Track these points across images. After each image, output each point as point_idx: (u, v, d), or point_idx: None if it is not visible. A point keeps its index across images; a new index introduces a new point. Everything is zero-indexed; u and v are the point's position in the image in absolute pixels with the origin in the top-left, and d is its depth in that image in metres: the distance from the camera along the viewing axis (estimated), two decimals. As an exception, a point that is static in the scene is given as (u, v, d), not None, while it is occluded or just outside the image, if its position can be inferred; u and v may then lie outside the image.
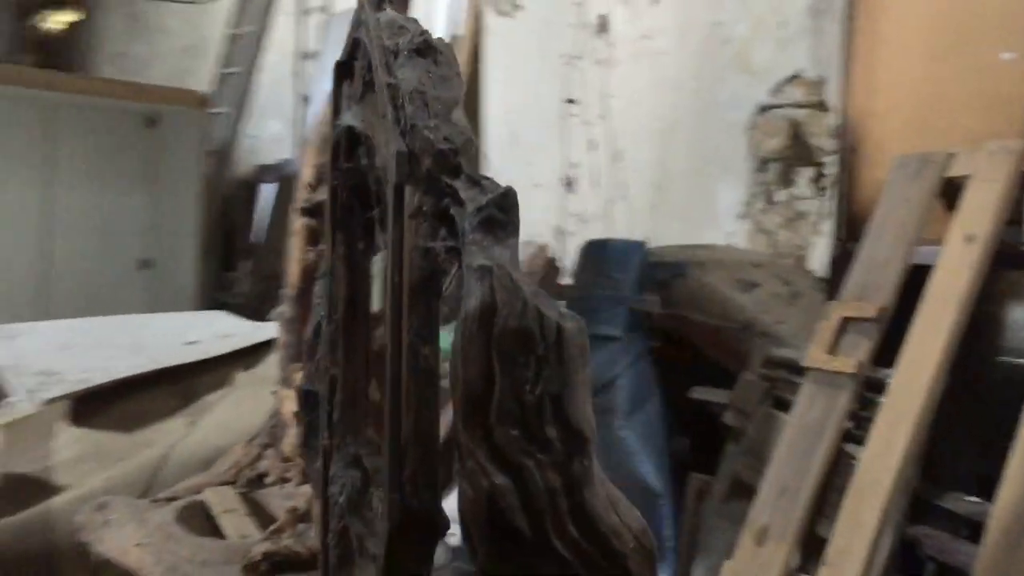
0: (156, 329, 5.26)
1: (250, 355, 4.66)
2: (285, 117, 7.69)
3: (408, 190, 1.32)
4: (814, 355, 2.79)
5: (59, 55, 11.54)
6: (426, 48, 1.41)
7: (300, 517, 2.70)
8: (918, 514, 2.69)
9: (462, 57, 5.56)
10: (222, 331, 4.94)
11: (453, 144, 1.32)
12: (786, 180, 4.13)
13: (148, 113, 5.73)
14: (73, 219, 5.44)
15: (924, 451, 2.59)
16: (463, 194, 1.28)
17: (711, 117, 4.43)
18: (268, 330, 4.75)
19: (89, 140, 5.28)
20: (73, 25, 11.46)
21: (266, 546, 2.56)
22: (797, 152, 4.09)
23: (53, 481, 3.99)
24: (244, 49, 6.66)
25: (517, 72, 5.47)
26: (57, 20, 12.11)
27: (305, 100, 7.43)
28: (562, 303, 3.17)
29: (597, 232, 4.83)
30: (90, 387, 4.12)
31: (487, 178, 1.32)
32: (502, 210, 1.25)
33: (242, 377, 4.45)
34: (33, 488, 3.96)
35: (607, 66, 4.93)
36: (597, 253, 3.64)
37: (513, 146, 5.53)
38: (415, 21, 1.48)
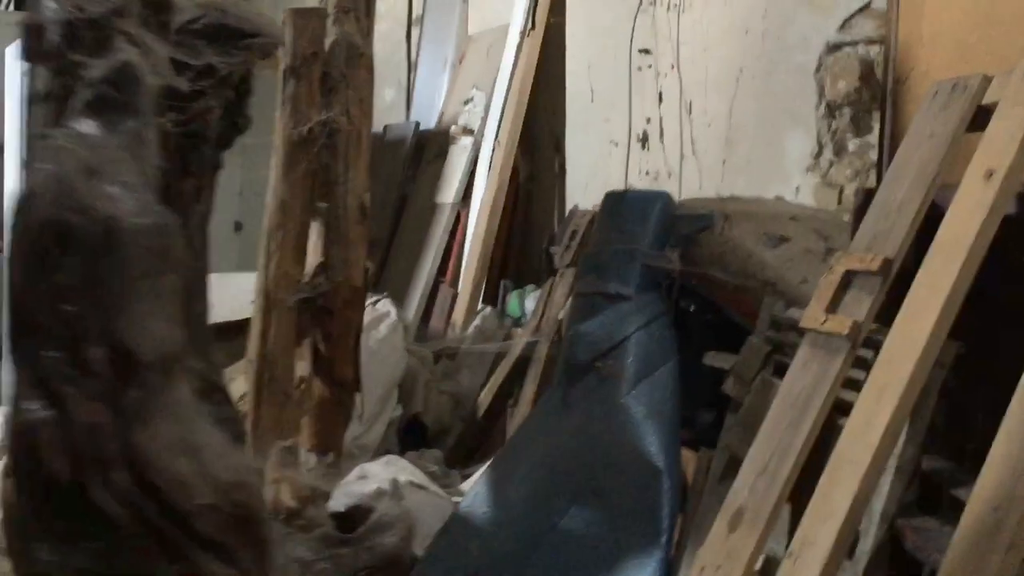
0: (237, 288, 5.29)
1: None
2: (399, 84, 7.66)
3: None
4: (810, 314, 2.40)
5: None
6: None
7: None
8: (929, 503, 2.27)
9: (545, 8, 5.30)
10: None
11: (86, 13, 1.11)
12: (858, 127, 3.64)
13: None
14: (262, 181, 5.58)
15: (932, 427, 2.17)
16: (83, 72, 1.07)
17: (779, 61, 3.98)
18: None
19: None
20: None
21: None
22: (870, 94, 3.60)
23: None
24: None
25: (595, 22, 5.15)
26: None
27: (414, 66, 7.37)
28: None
29: (670, 192, 4.48)
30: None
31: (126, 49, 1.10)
32: (117, 88, 1.04)
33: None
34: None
35: (680, 11, 4.54)
36: (615, 205, 3.32)
37: (591, 103, 5.22)
38: None
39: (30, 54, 1.11)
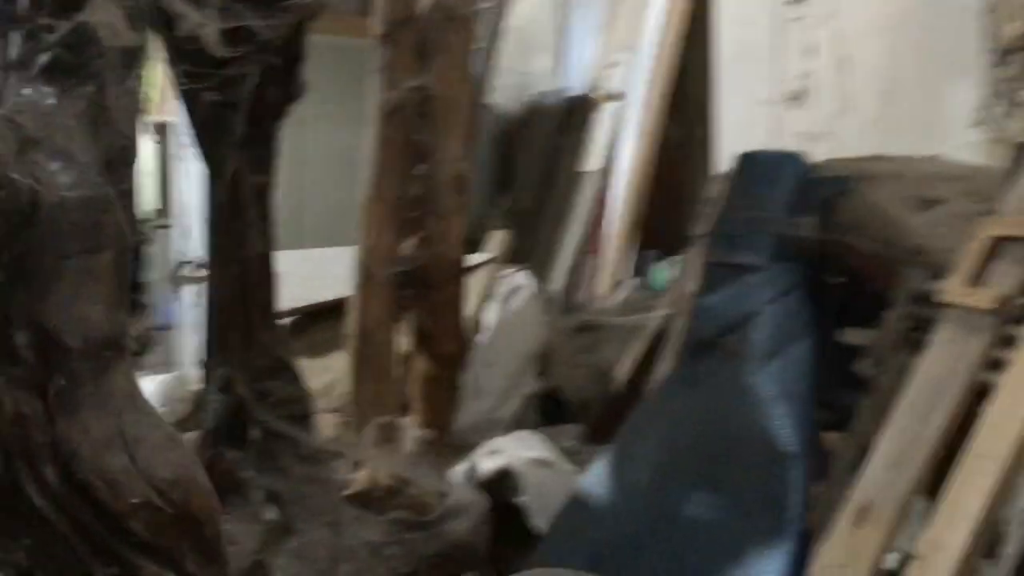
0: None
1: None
2: (553, 50, 7.52)
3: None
4: (951, 287, 2.12)
5: None
6: None
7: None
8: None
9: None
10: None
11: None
12: (1033, 74, 3.24)
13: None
14: (323, 155, 5.67)
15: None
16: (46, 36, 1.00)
17: (942, 4, 3.59)
18: (473, 260, 4.65)
19: (335, 79, 5.42)
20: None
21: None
22: (1048, 36, 3.19)
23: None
24: (499, -17, 6.52)
25: (743, -26, 4.85)
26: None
27: (565, 31, 7.22)
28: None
29: (824, 154, 4.15)
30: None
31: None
32: (71, 50, 0.96)
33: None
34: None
35: (834, -45, 4.19)
36: (746, 167, 3.08)
37: (739, 62, 4.91)
38: None
39: (1, 18, 1.05)
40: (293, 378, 1.72)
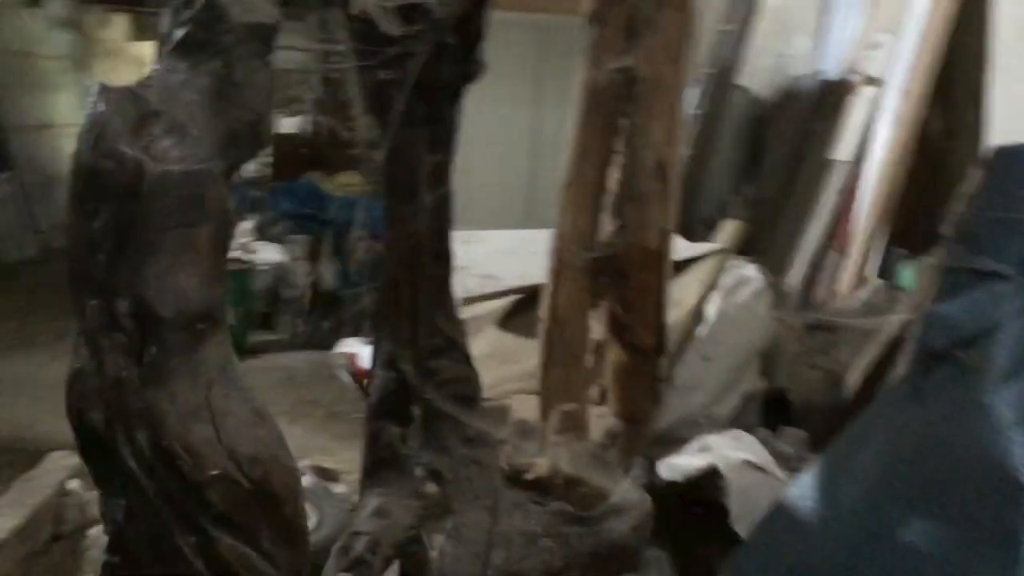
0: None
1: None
2: (812, 32, 7.15)
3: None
4: None
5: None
6: None
7: (526, 432, 2.53)
8: None
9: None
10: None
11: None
12: None
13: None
14: (555, 135, 5.71)
15: None
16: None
17: None
18: (702, 249, 4.53)
19: (572, 60, 5.41)
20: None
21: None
22: None
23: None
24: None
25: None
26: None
27: (824, 12, 6.82)
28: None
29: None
30: (495, 292, 4.33)
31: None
32: (202, 26, 0.99)
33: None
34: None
35: None
36: (1001, 162, 2.75)
37: (1021, 42, 4.42)
38: None
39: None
40: (462, 358, 1.71)
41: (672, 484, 3.41)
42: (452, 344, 1.75)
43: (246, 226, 8.00)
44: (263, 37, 1.09)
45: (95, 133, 0.94)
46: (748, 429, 4.05)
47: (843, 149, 5.22)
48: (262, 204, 9.45)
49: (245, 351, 7.65)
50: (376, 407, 1.64)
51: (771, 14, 7.84)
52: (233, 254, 7.63)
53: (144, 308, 0.91)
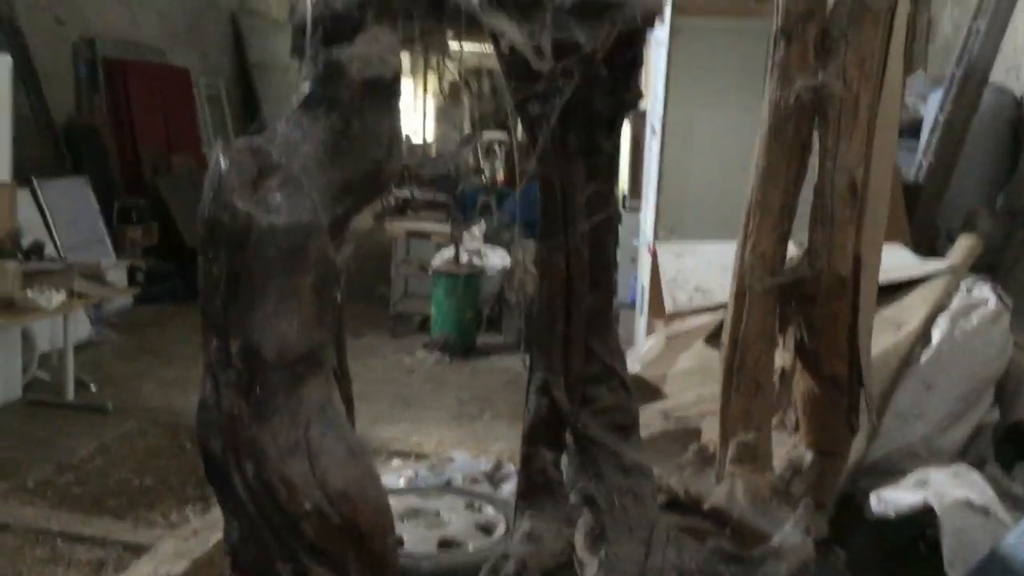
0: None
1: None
2: (1082, 27, 6.50)
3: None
4: None
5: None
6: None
7: (707, 459, 2.49)
8: None
9: None
10: (887, 265, 4.53)
11: (331, 9, 1.15)
12: None
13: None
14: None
15: None
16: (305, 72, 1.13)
17: None
18: (929, 267, 4.26)
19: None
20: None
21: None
22: None
23: (662, 387, 4.29)
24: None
25: None
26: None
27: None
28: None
29: None
30: (705, 307, 4.27)
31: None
32: (323, 83, 1.07)
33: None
34: (644, 390, 4.29)
35: None
36: None
37: None
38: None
39: (293, 51, 1.18)
40: (620, 386, 1.71)
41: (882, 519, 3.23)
42: (610, 372, 1.75)
43: (476, 231, 8.30)
44: (383, 90, 1.16)
45: (214, 187, 1.04)
46: (978, 465, 3.76)
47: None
48: (492, 209, 9.76)
49: (473, 352, 7.95)
50: (530, 432, 1.68)
51: (1039, 6, 7.18)
52: (464, 259, 7.92)
53: (251, 350, 1.00)
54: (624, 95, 1.62)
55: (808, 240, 2.27)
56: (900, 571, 3.51)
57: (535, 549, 1.62)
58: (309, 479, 1.02)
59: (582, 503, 1.72)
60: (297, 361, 1.03)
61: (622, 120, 1.69)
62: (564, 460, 1.81)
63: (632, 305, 6.81)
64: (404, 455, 5.64)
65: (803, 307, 2.28)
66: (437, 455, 5.29)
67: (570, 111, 1.55)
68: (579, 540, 1.69)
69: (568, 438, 1.75)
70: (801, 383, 2.42)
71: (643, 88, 1.66)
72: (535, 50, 1.41)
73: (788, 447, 2.55)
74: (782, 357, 2.44)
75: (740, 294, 2.31)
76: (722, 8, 5.19)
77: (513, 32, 1.39)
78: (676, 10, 5.05)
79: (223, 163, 1.05)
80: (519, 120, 1.59)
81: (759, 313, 2.24)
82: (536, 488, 1.68)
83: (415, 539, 2.99)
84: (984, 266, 6.05)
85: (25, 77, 7.94)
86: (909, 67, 10.65)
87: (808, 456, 2.45)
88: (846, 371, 2.34)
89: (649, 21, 1.54)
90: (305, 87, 1.13)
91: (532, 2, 1.40)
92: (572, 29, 1.43)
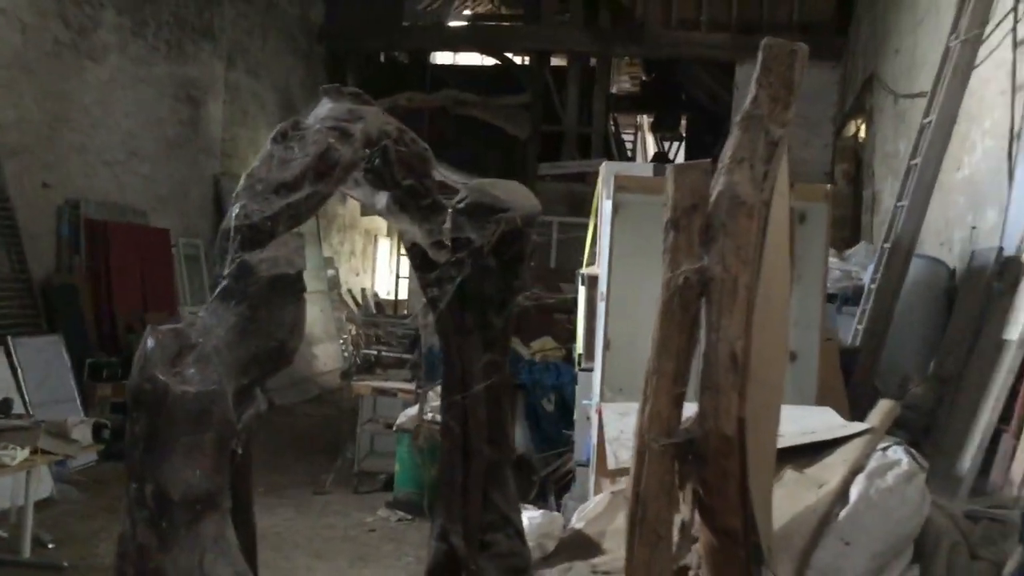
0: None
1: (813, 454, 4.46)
2: (1000, 205, 7.03)
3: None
4: None
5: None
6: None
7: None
8: None
9: None
10: (811, 427, 4.80)
11: (248, 220, 1.45)
12: None
13: (802, 210, 5.88)
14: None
15: None
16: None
17: None
18: (849, 429, 4.51)
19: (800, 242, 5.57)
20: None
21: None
22: None
23: (601, 543, 4.46)
24: (932, 141, 6.33)
25: None
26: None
27: (1010, 185, 6.72)
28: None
29: None
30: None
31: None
32: (235, 279, 1.36)
33: (789, 475, 4.30)
34: (585, 547, 4.45)
35: None
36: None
37: None
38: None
39: (218, 252, 1.48)
40: (515, 534, 1.93)
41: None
42: (507, 521, 1.98)
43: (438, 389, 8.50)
44: (287, 285, 1.45)
45: (141, 361, 1.31)
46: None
47: (1014, 328, 5.06)
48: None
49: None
50: (429, 575, 1.89)
51: (965, 186, 7.76)
52: (428, 416, 8.10)
53: (161, 492, 1.24)
54: (512, 282, 1.92)
55: (698, 404, 2.55)
56: None
57: None
58: (198, 599, 1.25)
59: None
60: (197, 501, 1.27)
61: (512, 302, 1.98)
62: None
63: (587, 464, 7.00)
64: (359, 619, 5.68)
65: (697, 465, 2.53)
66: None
67: (466, 294, 1.84)
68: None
69: (465, 581, 1.96)
70: (702, 536, 2.64)
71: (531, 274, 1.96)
72: (434, 245, 1.71)
73: (697, 598, 2.74)
74: (683, 510, 2.66)
75: (640, 453, 2.55)
76: (658, 186, 5.62)
77: (414, 231, 1.70)
78: (617, 188, 5.48)
79: (150, 342, 1.33)
80: (427, 301, 1.89)
81: (657, 470, 2.48)
82: (437, 631, 1.88)
83: None
84: (920, 428, 6.33)
85: (7, 236, 8.29)
86: (855, 238, 11.25)
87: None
88: (740, 525, 2.57)
89: (529, 222, 1.85)
90: (220, 283, 1.41)
91: (431, 205, 1.71)
92: (465, 228, 1.73)
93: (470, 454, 1.94)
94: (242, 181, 1.60)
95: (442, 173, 1.77)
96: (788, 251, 2.66)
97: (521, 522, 2.03)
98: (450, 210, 1.76)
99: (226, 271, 1.45)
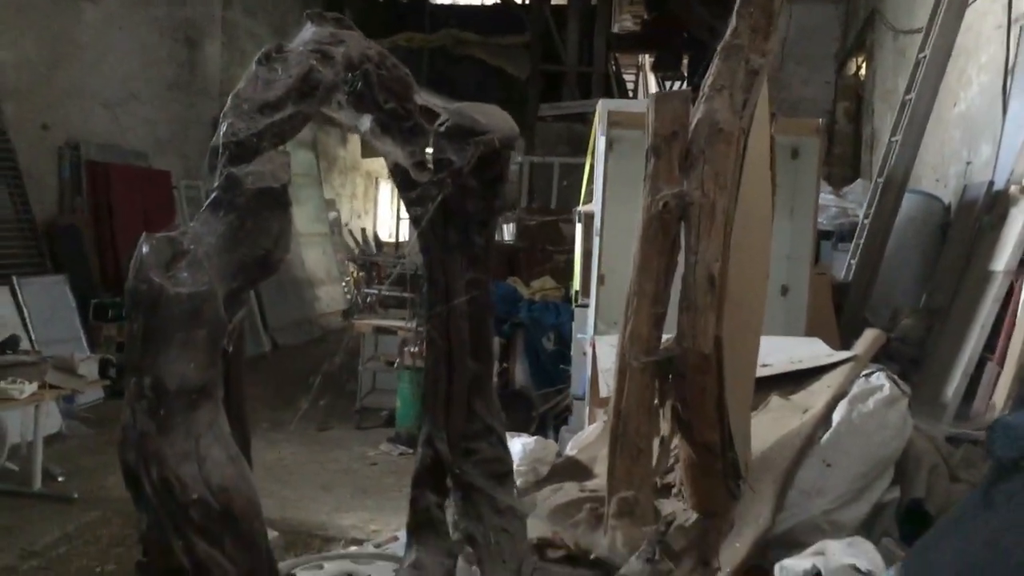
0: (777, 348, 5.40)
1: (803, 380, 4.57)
2: (994, 140, 7.06)
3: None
4: None
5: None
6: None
7: (599, 517, 2.81)
8: None
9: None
10: (798, 356, 4.91)
11: (236, 136, 1.54)
12: None
13: (794, 145, 5.93)
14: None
15: None
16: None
17: None
18: (835, 357, 4.62)
19: (794, 174, 5.61)
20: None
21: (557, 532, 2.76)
22: None
23: (592, 467, 4.59)
24: (927, 75, 6.35)
25: None
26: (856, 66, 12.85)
27: (1005, 119, 6.75)
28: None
29: None
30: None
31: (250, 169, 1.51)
32: (224, 190, 1.45)
33: (775, 402, 4.42)
34: (577, 471, 4.57)
35: None
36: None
37: None
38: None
39: (208, 167, 1.57)
40: (498, 441, 2.05)
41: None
42: (489, 430, 2.10)
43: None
44: (272, 197, 1.55)
45: (137, 265, 1.41)
46: (885, 537, 4.06)
47: (1000, 259, 5.15)
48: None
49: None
50: (416, 478, 2.01)
51: (961, 121, 7.79)
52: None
53: (158, 383, 1.36)
54: (493, 202, 2.01)
55: (677, 324, 2.65)
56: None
57: (419, 575, 1.94)
58: (197, 477, 1.36)
59: (464, 540, 2.04)
60: (192, 391, 1.38)
61: (493, 221, 2.07)
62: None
63: (583, 397, 7.13)
64: (360, 543, 5.85)
65: (676, 382, 2.64)
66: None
67: (449, 214, 1.94)
68: (461, 561, 2.01)
69: (450, 484, 2.08)
70: (681, 450, 2.76)
71: (512, 195, 2.05)
72: (415, 166, 1.80)
73: (678, 510, 2.87)
74: (663, 426, 2.78)
75: (622, 371, 2.67)
76: (650, 121, 5.66)
77: (397, 152, 1.79)
78: (611, 124, 5.53)
79: (145, 248, 1.43)
80: (410, 218, 1.99)
81: (637, 387, 2.60)
82: (422, 525, 2.00)
83: (344, 597, 3.25)
84: (908, 359, 6.45)
85: (9, 178, 8.36)
86: (855, 177, 11.26)
87: (692, 516, 2.77)
88: (718, 439, 2.69)
89: (506, 144, 1.94)
90: (210, 195, 1.50)
91: (413, 128, 1.79)
92: (446, 150, 1.82)
93: (454, 366, 2.05)
94: (229, 101, 1.69)
95: (424, 97, 1.85)
96: (769, 178, 2.74)
97: (504, 431, 2.14)
98: (431, 132, 1.84)
99: (215, 184, 1.56)
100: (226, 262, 1.49)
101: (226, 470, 1.42)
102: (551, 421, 8.45)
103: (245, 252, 1.52)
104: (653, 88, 21.36)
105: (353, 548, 4.57)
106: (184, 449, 1.38)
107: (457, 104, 1.82)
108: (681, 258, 2.64)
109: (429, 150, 1.87)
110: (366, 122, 1.84)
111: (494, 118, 1.91)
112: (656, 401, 2.68)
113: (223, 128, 1.62)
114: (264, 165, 1.57)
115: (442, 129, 1.77)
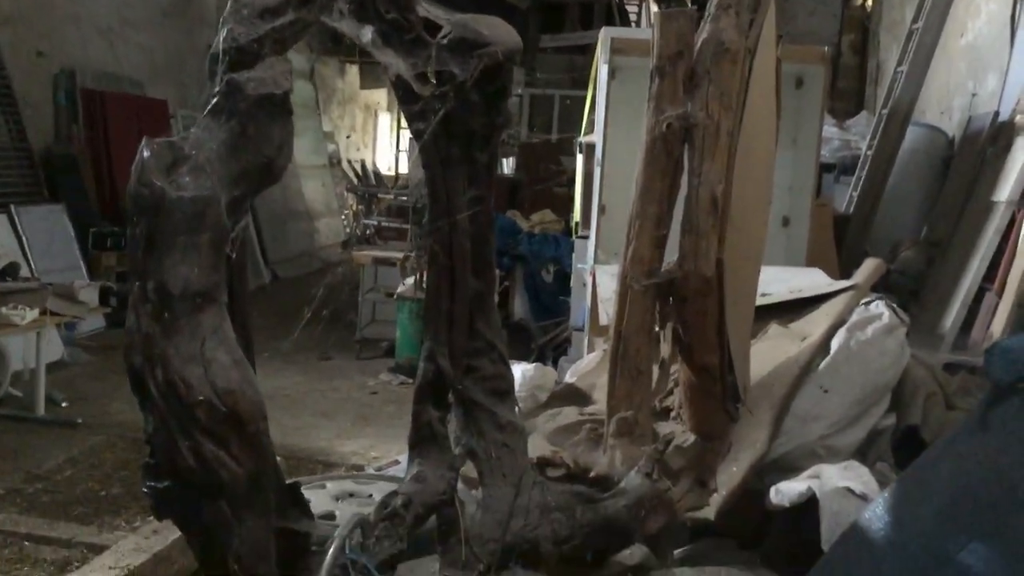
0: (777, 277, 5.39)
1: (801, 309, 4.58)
2: (1000, 70, 6.98)
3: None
4: None
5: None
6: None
7: (598, 437, 2.84)
8: None
9: None
10: (798, 285, 4.91)
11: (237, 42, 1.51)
12: None
13: (799, 74, 5.86)
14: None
15: None
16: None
17: None
18: (835, 286, 4.63)
19: (799, 101, 5.54)
20: None
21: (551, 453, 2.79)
22: None
23: (591, 394, 4.62)
24: (935, 3, 6.25)
25: None
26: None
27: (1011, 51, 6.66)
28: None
29: None
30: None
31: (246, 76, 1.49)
32: (225, 96, 1.44)
33: (774, 329, 4.44)
34: (576, 397, 4.60)
35: None
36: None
37: None
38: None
39: (208, 74, 1.55)
40: (499, 358, 2.06)
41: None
42: (491, 347, 2.11)
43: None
44: (274, 104, 1.53)
45: (138, 169, 1.40)
46: (881, 463, 4.10)
47: (1002, 190, 5.13)
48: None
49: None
50: (418, 393, 2.03)
51: (968, 52, 7.69)
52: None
53: (162, 287, 1.36)
54: (496, 117, 1.99)
55: (679, 246, 2.65)
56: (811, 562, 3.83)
57: (421, 488, 1.97)
58: (202, 380, 1.38)
59: (465, 454, 2.07)
60: (196, 295, 1.39)
61: (496, 137, 2.06)
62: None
63: (582, 328, 7.16)
64: (361, 469, 5.92)
65: (677, 305, 2.64)
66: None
67: (452, 129, 1.92)
68: (461, 484, 2.04)
69: (452, 400, 2.10)
70: (681, 373, 2.78)
71: (512, 114, 2.03)
72: (417, 78, 1.78)
73: (677, 432, 2.90)
74: (663, 349, 2.79)
75: (623, 293, 2.67)
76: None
77: (398, 64, 1.76)
78: (613, 51, 5.45)
79: (147, 152, 1.42)
80: (412, 135, 1.97)
81: (638, 310, 2.60)
82: (423, 439, 2.02)
83: (345, 515, 3.29)
84: (908, 291, 6.47)
85: (4, 106, 8.28)
86: (860, 110, 11.16)
87: (690, 438, 2.80)
88: (717, 361, 2.70)
89: (510, 57, 1.91)
90: (210, 100, 1.49)
91: (415, 40, 1.77)
92: (448, 62, 1.80)
93: (455, 282, 2.05)
94: (229, 5, 1.67)
95: (426, 8, 1.83)
96: (774, 102, 2.71)
97: (505, 349, 2.15)
98: (434, 44, 1.82)
99: (215, 90, 1.54)
100: (228, 169, 1.48)
101: (231, 373, 1.43)
102: (550, 353, 8.50)
103: (247, 159, 1.51)
104: (656, 19, 20.97)
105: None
106: (189, 351, 1.39)
107: (460, 16, 1.79)
108: (684, 180, 2.62)
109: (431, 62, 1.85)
110: (367, 33, 1.81)
111: (498, 30, 1.88)
112: (657, 324, 2.68)
113: (223, 33, 1.60)
114: (265, 71, 1.55)
115: (445, 41, 1.75)
